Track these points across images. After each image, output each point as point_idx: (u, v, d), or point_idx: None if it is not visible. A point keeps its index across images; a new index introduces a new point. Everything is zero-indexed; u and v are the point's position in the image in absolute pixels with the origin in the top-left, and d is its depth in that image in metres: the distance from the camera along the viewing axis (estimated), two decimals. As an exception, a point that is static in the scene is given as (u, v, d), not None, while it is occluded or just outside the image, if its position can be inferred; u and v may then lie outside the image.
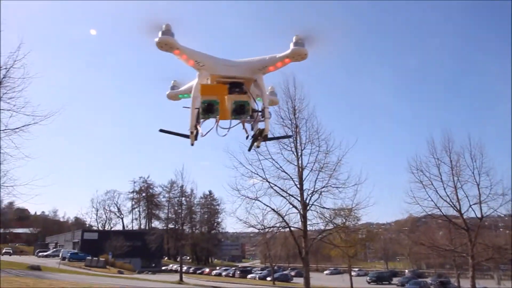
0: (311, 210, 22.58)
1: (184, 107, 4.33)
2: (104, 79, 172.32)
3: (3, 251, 65.08)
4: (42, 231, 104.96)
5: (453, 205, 25.53)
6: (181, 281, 45.39)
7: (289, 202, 22.61)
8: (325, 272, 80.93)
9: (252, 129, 4.16)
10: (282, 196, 22.67)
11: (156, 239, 58.18)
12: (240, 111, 3.79)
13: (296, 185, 22.42)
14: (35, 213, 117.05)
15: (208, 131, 4.03)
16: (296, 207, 22.53)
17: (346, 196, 22.56)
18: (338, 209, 23.63)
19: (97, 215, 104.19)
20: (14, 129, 16.30)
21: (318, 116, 25.52)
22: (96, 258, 50.89)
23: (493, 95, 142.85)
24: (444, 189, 25.79)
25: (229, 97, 3.80)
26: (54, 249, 72.54)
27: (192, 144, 4.15)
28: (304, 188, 22.33)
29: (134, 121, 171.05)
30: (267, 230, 24.89)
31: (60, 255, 53.48)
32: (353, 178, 22.41)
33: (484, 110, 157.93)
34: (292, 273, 66.31)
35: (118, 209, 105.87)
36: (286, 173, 22.65)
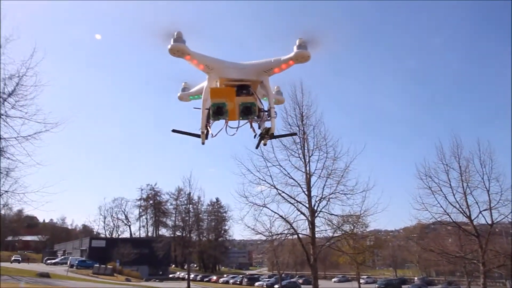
0: (319, 216, 22.50)
1: (194, 108, 4.54)
2: (111, 86, 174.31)
3: (12, 258, 65.52)
4: (51, 239, 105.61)
5: (462, 211, 25.21)
6: (188, 288, 45.23)
7: (297, 209, 22.56)
8: (333, 279, 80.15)
9: (259, 128, 4.35)
10: (290, 203, 22.64)
11: (164, 247, 58.25)
12: (247, 112, 3.99)
13: (304, 191, 22.38)
14: (44, 220, 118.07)
15: (218, 132, 4.24)
16: (304, 214, 22.45)
17: (355, 203, 22.45)
18: (346, 216, 23.51)
19: (104, 223, 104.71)
20: (26, 136, 16.51)
21: (325, 123, 25.49)
22: (104, 266, 51.05)
23: (503, 99, 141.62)
24: (454, 195, 25.48)
25: (237, 99, 3.98)
26: (62, 257, 72.89)
27: (203, 143, 4.35)
28: (312, 195, 22.26)
29: (142, 129, 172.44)
30: (274, 237, 24.80)
31: (68, 263, 53.72)
32: (361, 185, 22.31)
33: (493, 115, 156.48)
34: (300, 281, 65.81)
35: (126, 216, 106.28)
36: (294, 179, 22.65)
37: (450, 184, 25.66)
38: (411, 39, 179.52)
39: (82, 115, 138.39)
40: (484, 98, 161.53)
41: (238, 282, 66.34)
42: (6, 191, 17.53)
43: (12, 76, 16.05)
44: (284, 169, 22.74)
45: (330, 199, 22.29)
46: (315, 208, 22.14)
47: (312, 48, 3.90)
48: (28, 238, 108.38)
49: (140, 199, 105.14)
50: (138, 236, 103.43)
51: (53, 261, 67.22)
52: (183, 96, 5.03)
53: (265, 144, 4.50)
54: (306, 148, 22.83)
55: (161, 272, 71.51)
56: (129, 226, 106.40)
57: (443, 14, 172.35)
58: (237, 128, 4.15)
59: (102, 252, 63.86)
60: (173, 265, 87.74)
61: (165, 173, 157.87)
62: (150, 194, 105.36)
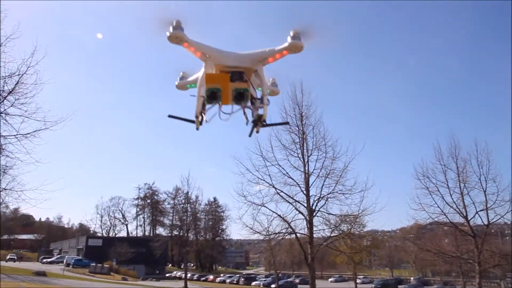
0: (317, 216, 22.59)
1: (191, 95, 4.72)
2: (110, 85, 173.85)
3: (7, 257, 65.20)
4: (47, 237, 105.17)
5: (459, 212, 25.42)
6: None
7: (295, 208, 22.64)
8: (330, 279, 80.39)
9: (252, 116, 4.50)
10: (289, 202, 22.72)
11: (161, 246, 58.09)
12: (240, 97, 4.14)
13: (302, 191, 22.46)
14: (40, 219, 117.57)
15: (212, 117, 4.43)
16: (302, 213, 22.55)
17: (353, 202, 22.56)
18: (344, 215, 23.63)
19: (101, 222, 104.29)
20: (25, 134, 16.46)
21: (325, 122, 25.47)
22: (100, 265, 50.87)
23: (500, 100, 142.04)
24: (451, 195, 25.69)
25: (231, 84, 4.14)
26: (58, 256, 72.58)
27: (197, 129, 4.55)
28: (310, 194, 22.36)
29: (141, 127, 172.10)
30: (272, 236, 24.87)
31: (65, 262, 53.54)
32: (360, 184, 22.41)
33: (491, 115, 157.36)
34: (297, 280, 65.92)
35: (123, 215, 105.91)
36: (292, 179, 22.74)
37: (448, 185, 25.87)
38: (411, 39, 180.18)
39: (80, 114, 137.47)
40: (483, 99, 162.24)
41: (235, 282, 66.38)
42: (4, 189, 17.46)
43: (12, 74, 15.98)
44: (283, 168, 22.84)
45: (329, 199, 22.41)
46: (313, 207, 22.24)
47: (306, 39, 4.07)
48: (24, 236, 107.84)
49: (137, 198, 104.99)
50: (135, 235, 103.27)
51: (49, 260, 66.90)
52: (181, 85, 5.19)
53: (257, 132, 4.60)
54: (305, 148, 22.92)
55: (158, 272, 71.43)
56: (126, 225, 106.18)
57: (442, 15, 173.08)
58: (230, 114, 4.34)
59: (99, 251, 63.60)
60: (170, 265, 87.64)
61: (163, 172, 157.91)
62: (147, 193, 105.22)
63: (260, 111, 4.41)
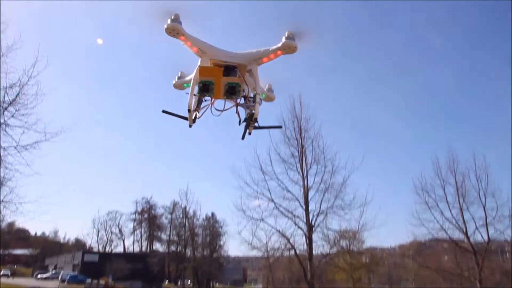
0: (317, 232, 22.48)
1: (187, 93, 4.75)
2: (109, 98, 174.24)
3: (1, 273, 63.91)
4: (42, 252, 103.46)
5: (459, 227, 25.34)
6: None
7: (295, 223, 22.56)
8: (329, 297, 79.05)
9: (246, 116, 4.56)
10: (288, 217, 22.66)
11: (158, 262, 57.25)
12: (232, 91, 4.21)
13: (301, 205, 22.42)
14: (36, 233, 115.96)
15: (203, 113, 4.46)
16: (301, 229, 22.44)
17: (352, 217, 22.51)
18: (343, 231, 23.52)
19: (98, 236, 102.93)
20: (25, 145, 16.42)
21: (324, 136, 25.66)
22: (96, 281, 50.10)
23: (498, 113, 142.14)
24: (450, 210, 25.75)
25: (224, 78, 4.23)
26: (54, 271, 71.42)
27: (190, 126, 4.53)
28: (309, 209, 22.30)
29: (137, 141, 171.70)
30: (271, 252, 24.66)
31: (60, 277, 52.69)
32: (359, 199, 22.42)
33: (489, 129, 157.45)
34: (295, 298, 64.78)
35: (120, 230, 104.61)
36: (291, 193, 22.72)
37: (447, 199, 25.94)
38: (411, 51, 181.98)
39: (78, 126, 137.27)
40: (481, 113, 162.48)
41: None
42: (1, 201, 17.29)
43: (13, 85, 16.07)
44: (282, 182, 22.85)
45: (328, 214, 22.35)
46: (313, 223, 22.14)
47: (300, 40, 4.17)
48: (19, 251, 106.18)
49: (135, 213, 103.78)
50: (132, 250, 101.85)
51: (44, 275, 65.81)
52: (178, 84, 5.26)
53: (250, 133, 4.62)
54: (304, 161, 22.97)
55: (154, 288, 70.27)
56: (123, 240, 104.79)
57: (440, 32, 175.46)
58: (222, 110, 4.41)
59: (95, 267, 62.52)
60: (167, 281, 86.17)
61: (161, 186, 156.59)
62: (145, 207, 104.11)
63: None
